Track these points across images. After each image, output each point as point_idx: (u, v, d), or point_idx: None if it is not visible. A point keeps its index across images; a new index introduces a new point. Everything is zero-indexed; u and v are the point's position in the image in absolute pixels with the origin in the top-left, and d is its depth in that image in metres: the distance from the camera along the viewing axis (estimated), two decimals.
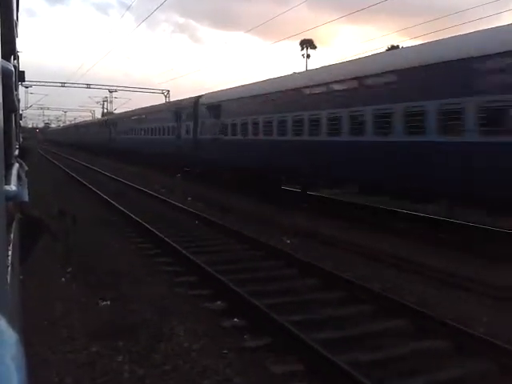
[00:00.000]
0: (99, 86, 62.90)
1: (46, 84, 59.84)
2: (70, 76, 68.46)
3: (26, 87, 52.63)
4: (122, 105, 63.25)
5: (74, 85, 59.54)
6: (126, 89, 62.92)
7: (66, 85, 58.50)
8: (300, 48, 70.33)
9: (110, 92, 64.78)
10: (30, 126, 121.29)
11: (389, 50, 34.43)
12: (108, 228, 12.04)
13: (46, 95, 67.87)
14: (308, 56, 69.33)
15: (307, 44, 69.29)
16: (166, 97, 57.36)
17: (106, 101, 75.58)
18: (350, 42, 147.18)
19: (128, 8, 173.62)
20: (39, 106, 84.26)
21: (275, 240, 10.57)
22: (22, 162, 4.54)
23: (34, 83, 55.44)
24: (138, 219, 12.45)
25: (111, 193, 17.88)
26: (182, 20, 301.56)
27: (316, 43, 70.06)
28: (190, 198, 17.32)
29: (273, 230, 11.84)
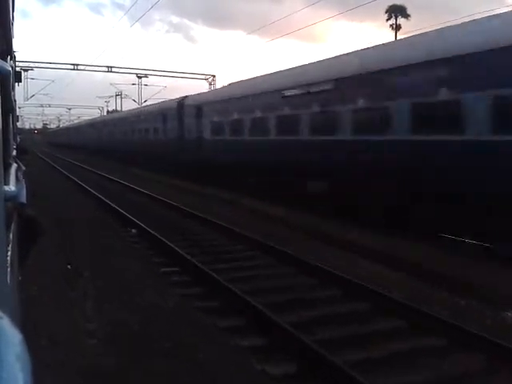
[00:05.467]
0: (124, 70, 45.64)
1: (53, 66, 41.88)
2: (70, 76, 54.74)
3: (26, 70, 37.62)
4: (155, 94, 47.26)
5: (89, 67, 42.05)
6: (161, 73, 45.41)
7: (79, 67, 41.23)
8: (386, 17, 50.97)
9: (139, 78, 47.09)
10: (28, 127, 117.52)
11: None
12: None
13: (53, 81, 50.98)
14: (398, 27, 49.67)
15: (397, 12, 49.62)
16: (210, 84, 43.16)
17: (120, 94, 59.27)
18: (347, 39, 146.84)
19: (126, 12, 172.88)
20: (39, 104, 72.21)
21: None
22: (19, 162, 4.54)
23: (38, 64, 40.67)
24: None
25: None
26: (176, 19, 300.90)
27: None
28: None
29: None
